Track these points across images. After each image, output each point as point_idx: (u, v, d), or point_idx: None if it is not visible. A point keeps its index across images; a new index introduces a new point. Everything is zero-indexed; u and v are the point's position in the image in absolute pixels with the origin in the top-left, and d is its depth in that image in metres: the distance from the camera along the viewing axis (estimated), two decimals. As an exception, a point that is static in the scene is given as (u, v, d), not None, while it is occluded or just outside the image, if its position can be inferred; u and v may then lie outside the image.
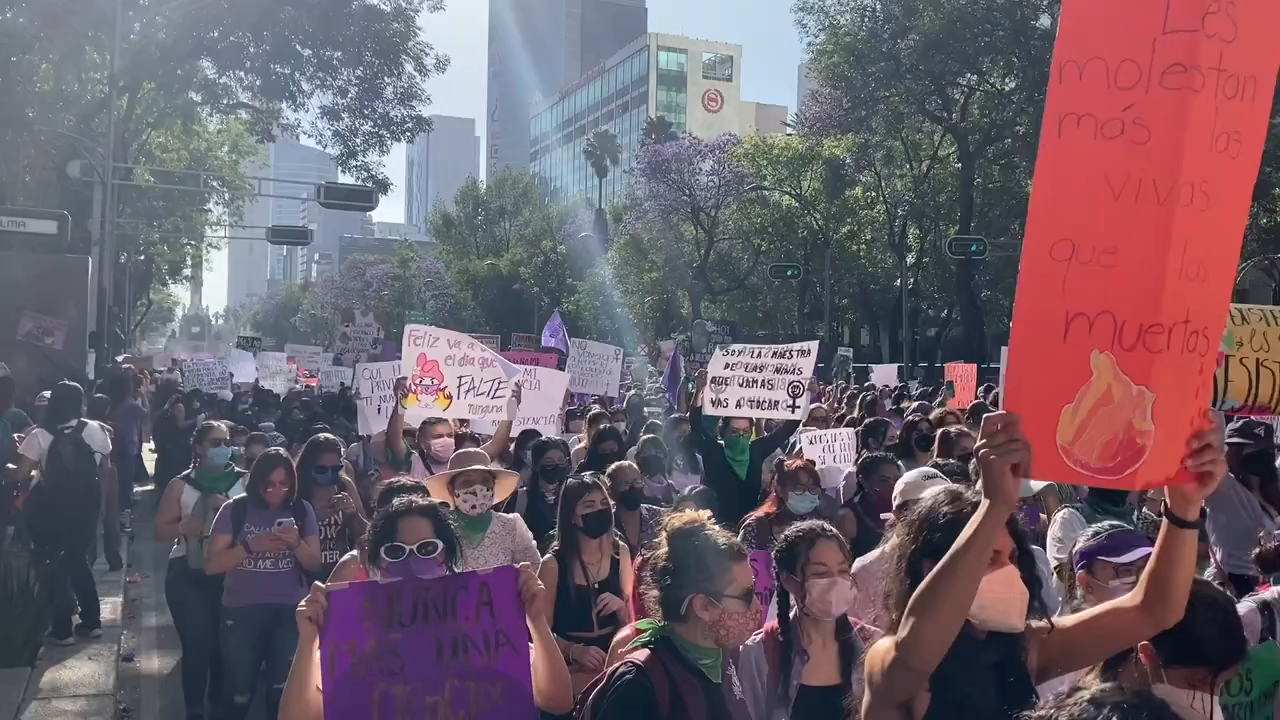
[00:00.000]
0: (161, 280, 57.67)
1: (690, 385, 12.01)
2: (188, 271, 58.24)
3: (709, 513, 3.20)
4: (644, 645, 3.06)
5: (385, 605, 3.01)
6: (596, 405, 12.50)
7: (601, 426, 8.87)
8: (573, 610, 4.91)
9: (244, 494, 6.38)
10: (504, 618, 3.06)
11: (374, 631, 2.97)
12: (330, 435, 7.38)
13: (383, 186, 35.60)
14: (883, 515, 5.17)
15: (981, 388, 15.27)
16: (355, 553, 4.92)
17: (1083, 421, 2.13)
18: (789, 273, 46.25)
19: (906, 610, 2.25)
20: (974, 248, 35.47)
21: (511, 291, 67.58)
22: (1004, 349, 11.08)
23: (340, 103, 34.65)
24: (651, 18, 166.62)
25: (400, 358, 8.45)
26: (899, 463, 6.62)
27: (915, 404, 13.76)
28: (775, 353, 8.92)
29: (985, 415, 2.19)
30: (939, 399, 14.36)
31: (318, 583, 3.02)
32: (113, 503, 11.24)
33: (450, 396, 8.02)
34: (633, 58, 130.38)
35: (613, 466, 6.40)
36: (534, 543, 5.61)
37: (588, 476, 5.42)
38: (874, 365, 23.62)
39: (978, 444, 2.15)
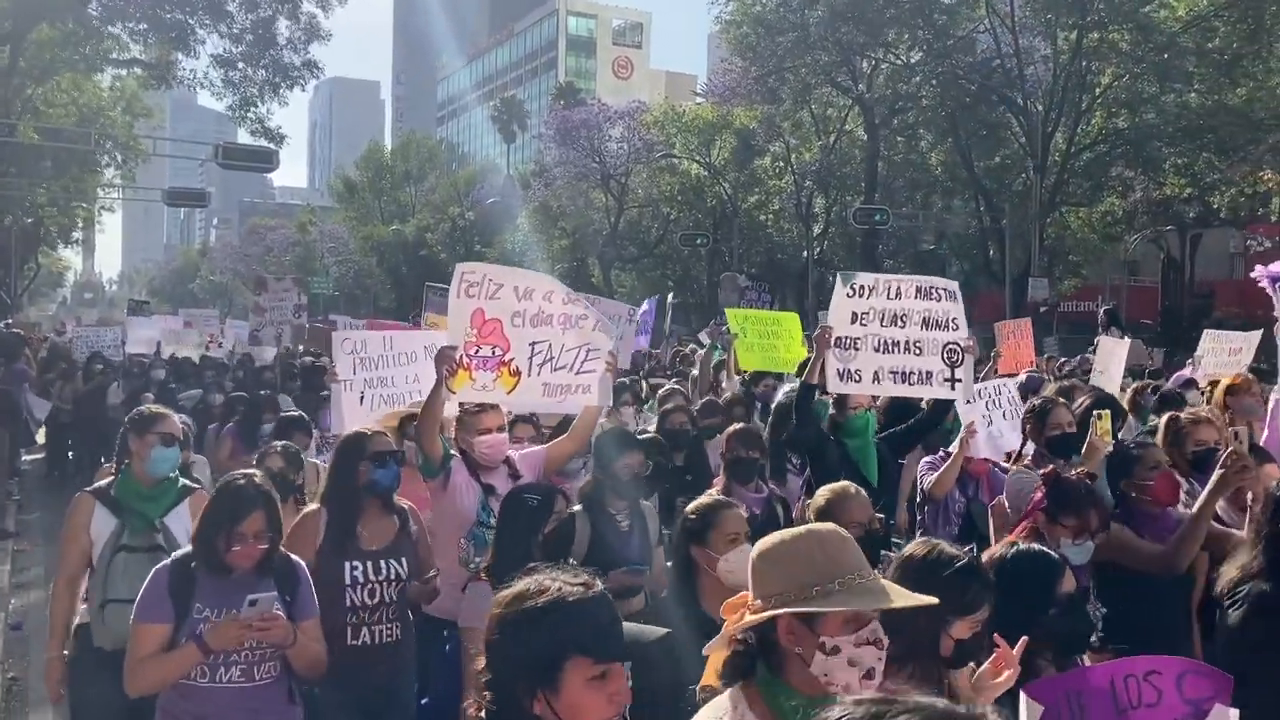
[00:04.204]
0: (51, 244, 55.39)
1: (718, 352, 10.23)
2: (79, 235, 56.03)
3: None
4: None
5: None
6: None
7: (668, 407, 7.10)
8: None
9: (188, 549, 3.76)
10: None
11: None
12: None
13: (278, 139, 34.37)
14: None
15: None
16: None
17: None
18: (698, 241, 46.64)
19: None
20: (878, 217, 36.20)
21: (418, 258, 66.60)
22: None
23: (235, 50, 33.38)
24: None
25: (351, 327, 6.19)
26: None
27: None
28: (919, 290, 6.11)
29: None
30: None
31: None
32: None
33: (518, 373, 5.36)
34: (541, 22, 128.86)
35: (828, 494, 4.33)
36: None
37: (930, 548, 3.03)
38: None
39: None
